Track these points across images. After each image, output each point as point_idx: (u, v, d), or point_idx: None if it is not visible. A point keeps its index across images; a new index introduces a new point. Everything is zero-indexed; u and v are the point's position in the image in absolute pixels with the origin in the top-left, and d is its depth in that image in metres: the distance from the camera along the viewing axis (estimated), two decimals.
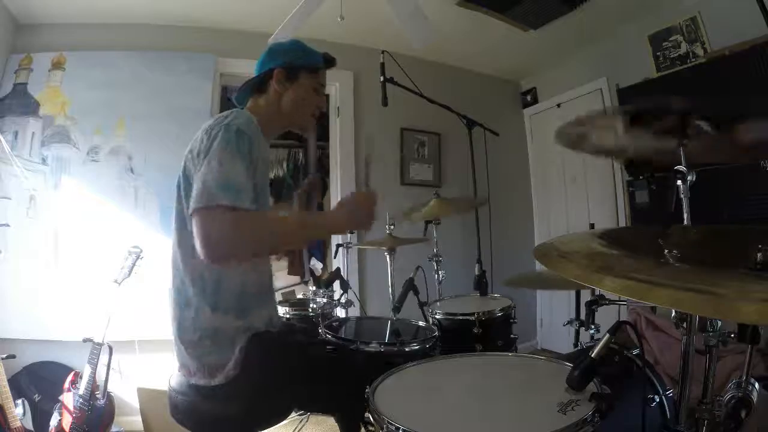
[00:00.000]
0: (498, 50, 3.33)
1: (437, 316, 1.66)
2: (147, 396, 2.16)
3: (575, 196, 3.51)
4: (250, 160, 1.01)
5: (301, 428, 2.23)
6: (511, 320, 1.70)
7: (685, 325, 0.81)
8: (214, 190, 0.92)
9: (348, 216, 1.11)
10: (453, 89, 3.11)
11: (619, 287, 0.56)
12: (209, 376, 1.04)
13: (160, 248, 2.02)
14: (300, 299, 2.52)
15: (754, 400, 0.80)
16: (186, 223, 1.06)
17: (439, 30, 2.45)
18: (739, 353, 1.29)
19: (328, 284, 1.84)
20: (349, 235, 2.57)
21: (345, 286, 1.90)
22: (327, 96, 3.00)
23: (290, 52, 1.26)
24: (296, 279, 3.43)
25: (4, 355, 1.91)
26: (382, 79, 2.05)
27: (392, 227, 1.97)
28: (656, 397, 1.00)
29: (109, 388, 2.11)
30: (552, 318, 3.64)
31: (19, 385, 2.15)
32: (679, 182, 0.94)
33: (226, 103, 2.71)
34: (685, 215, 0.95)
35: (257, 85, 1.25)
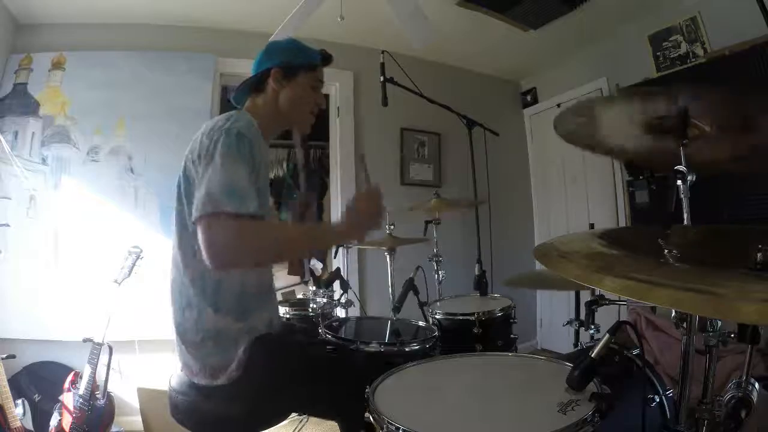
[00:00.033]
0: (498, 50, 3.33)
1: (437, 316, 1.66)
2: (147, 396, 2.16)
3: (575, 196, 3.51)
4: (252, 164, 1.01)
5: (301, 428, 2.23)
6: (511, 320, 1.70)
7: (685, 325, 0.81)
8: (218, 196, 0.92)
9: (357, 223, 1.09)
10: (453, 89, 3.10)
11: (619, 287, 0.56)
12: (212, 377, 1.04)
13: (160, 248, 2.04)
14: (300, 299, 2.52)
15: (754, 400, 0.80)
16: (186, 224, 1.06)
17: (439, 30, 2.44)
18: (739, 353, 1.29)
19: (328, 284, 1.84)
20: None
21: (345, 286, 1.90)
22: (327, 96, 2.99)
23: (287, 50, 1.25)
24: (296, 279, 3.43)
25: (4, 355, 1.91)
26: (382, 79, 2.06)
27: (392, 227, 1.97)
28: (656, 397, 1.00)
29: (109, 388, 2.11)
30: (552, 318, 3.63)
31: (19, 385, 2.15)
32: (679, 182, 0.94)
33: (226, 103, 2.70)
34: (685, 215, 0.95)
35: (255, 85, 1.24)
